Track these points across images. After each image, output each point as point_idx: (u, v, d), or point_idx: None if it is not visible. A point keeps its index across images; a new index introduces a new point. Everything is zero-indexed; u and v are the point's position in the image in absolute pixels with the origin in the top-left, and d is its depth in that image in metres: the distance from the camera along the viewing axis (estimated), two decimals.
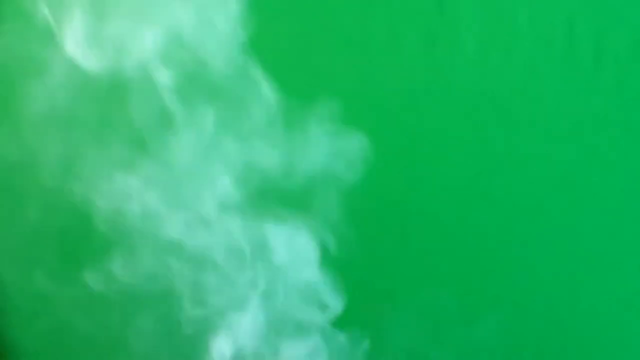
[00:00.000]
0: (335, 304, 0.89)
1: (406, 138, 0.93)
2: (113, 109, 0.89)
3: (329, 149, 0.88)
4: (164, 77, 0.85)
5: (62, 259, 0.98)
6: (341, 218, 0.89)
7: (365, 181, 0.91)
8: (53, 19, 0.85)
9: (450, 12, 0.89)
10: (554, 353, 0.93)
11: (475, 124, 0.91)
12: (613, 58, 0.86)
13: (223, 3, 0.85)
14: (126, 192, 0.88)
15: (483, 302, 0.94)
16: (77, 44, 0.85)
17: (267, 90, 0.86)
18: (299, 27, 0.92)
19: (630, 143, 0.88)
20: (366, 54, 0.91)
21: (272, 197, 0.88)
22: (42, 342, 1.02)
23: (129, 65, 0.85)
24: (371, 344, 0.92)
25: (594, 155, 0.89)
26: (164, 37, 0.84)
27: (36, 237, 0.99)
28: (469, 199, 0.92)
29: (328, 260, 0.89)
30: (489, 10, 0.88)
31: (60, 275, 0.96)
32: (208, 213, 0.88)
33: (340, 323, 0.90)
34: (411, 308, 0.94)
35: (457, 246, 0.93)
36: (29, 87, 0.88)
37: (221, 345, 0.90)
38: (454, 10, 0.89)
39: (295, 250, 0.89)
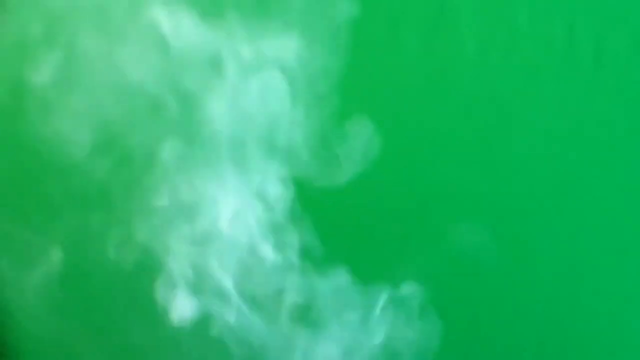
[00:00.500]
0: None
1: (406, 138, 0.93)
2: None
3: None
4: None
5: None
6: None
7: (364, 180, 0.91)
8: None
9: (450, 12, 0.89)
10: (554, 353, 0.93)
11: (475, 124, 0.91)
12: (613, 58, 0.86)
13: None
14: None
15: (483, 302, 0.94)
16: None
17: None
18: None
19: (630, 143, 0.88)
20: (365, 53, 0.91)
21: None
22: (42, 342, 1.02)
23: None
24: None
25: (594, 155, 0.89)
26: None
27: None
28: (468, 199, 0.92)
29: None
30: (489, 10, 0.88)
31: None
32: None
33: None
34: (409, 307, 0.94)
35: (457, 246, 0.93)
36: None
37: None
38: (454, 10, 0.89)
39: None
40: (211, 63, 0.88)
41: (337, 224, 0.93)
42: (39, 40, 0.91)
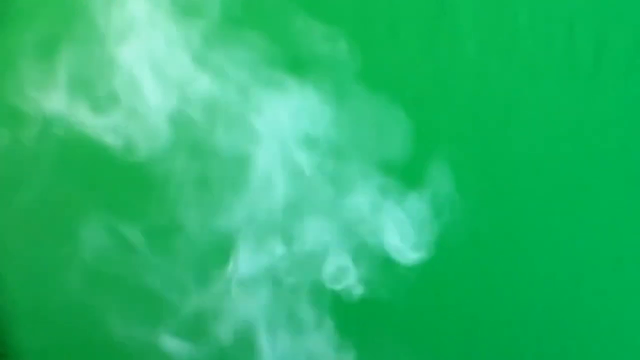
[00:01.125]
0: None
1: (406, 138, 0.93)
2: None
3: None
4: None
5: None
6: None
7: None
8: None
9: (450, 12, 0.89)
10: (554, 354, 0.93)
11: (475, 124, 0.91)
12: (613, 58, 0.86)
13: None
14: None
15: (483, 302, 0.94)
16: None
17: None
18: None
19: (630, 143, 0.88)
20: (365, 53, 0.91)
21: None
22: (43, 342, 1.02)
23: None
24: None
25: (594, 155, 0.89)
26: None
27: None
28: (468, 199, 0.92)
29: None
30: (489, 10, 0.88)
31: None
32: None
33: None
34: (409, 308, 0.94)
35: (457, 246, 0.93)
36: None
37: None
38: (454, 10, 0.89)
39: None
40: None
41: None
42: None
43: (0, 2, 0.94)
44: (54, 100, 0.91)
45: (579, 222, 0.91)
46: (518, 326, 0.94)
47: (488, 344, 0.94)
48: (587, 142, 0.89)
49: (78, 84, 0.91)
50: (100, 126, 0.91)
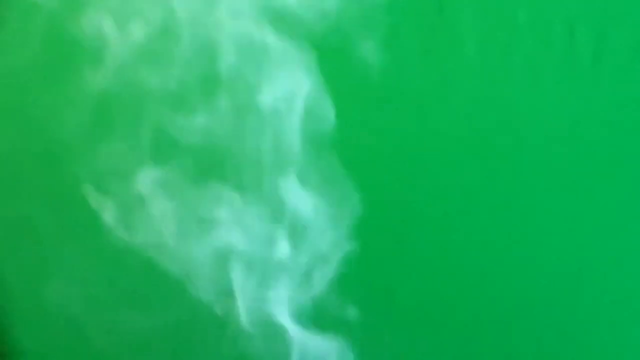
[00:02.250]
0: None
1: (406, 138, 0.93)
2: None
3: None
4: None
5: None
6: None
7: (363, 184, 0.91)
8: None
9: (450, 12, 0.89)
10: (554, 354, 0.93)
11: (475, 124, 0.91)
12: (613, 58, 0.86)
13: None
14: None
15: (483, 302, 0.94)
16: None
17: None
18: None
19: (630, 143, 0.88)
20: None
21: None
22: (44, 342, 1.02)
23: None
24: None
25: (594, 155, 0.89)
26: None
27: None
28: (469, 199, 0.92)
29: None
30: (489, 10, 0.88)
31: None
32: None
33: None
34: (410, 308, 0.94)
35: (457, 246, 0.93)
36: None
37: None
38: (454, 10, 0.89)
39: None
40: None
41: None
42: None
43: None
44: None
45: (578, 221, 0.91)
46: (516, 325, 0.94)
47: (488, 344, 0.95)
48: (587, 142, 0.89)
49: None
50: None
